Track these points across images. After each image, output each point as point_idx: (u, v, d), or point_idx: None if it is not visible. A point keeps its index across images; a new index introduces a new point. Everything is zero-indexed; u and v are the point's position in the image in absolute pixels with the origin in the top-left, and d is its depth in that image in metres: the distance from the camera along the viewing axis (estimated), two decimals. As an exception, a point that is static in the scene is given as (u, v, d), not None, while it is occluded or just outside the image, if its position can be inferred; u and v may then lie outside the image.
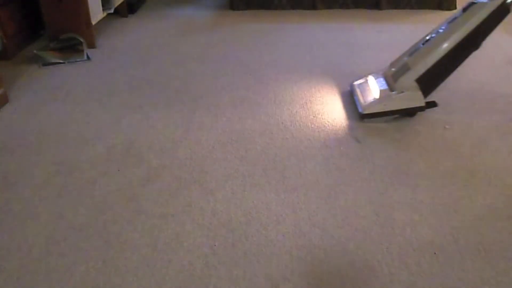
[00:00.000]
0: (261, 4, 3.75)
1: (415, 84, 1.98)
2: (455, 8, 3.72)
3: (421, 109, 2.01)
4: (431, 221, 1.46)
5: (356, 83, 2.24)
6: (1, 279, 1.25)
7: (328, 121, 2.04)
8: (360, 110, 2.04)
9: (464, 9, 1.96)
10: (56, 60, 2.68)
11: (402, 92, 1.98)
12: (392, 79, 2.06)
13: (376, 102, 2.02)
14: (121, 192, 1.59)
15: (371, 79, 2.18)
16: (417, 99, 1.99)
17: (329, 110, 2.14)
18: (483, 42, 1.93)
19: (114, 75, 2.54)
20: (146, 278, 1.25)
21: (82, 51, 2.77)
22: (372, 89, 2.11)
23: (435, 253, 1.33)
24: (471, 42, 1.92)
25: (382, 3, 3.71)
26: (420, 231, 1.42)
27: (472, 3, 1.93)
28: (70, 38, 2.82)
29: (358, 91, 2.17)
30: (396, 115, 2.03)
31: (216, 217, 1.48)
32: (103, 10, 3.11)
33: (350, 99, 2.23)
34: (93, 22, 2.91)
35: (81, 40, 2.81)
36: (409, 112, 2.03)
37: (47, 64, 2.66)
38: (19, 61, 2.72)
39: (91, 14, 2.86)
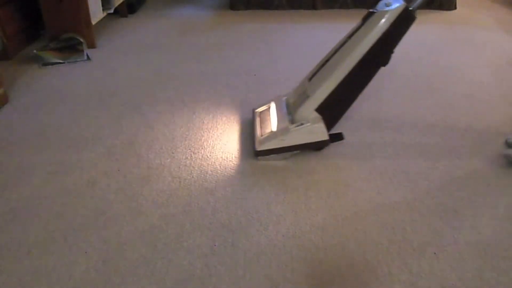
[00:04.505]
0: (261, 4, 3.75)
1: (316, 115, 1.70)
2: (455, 8, 3.73)
3: (325, 143, 1.73)
4: (430, 221, 1.46)
5: (258, 110, 1.94)
6: (1, 279, 1.25)
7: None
8: (255, 146, 1.75)
9: (363, 20, 1.64)
10: (56, 60, 2.69)
11: (302, 124, 1.68)
12: (293, 107, 1.78)
13: (272, 136, 1.72)
14: (121, 192, 1.60)
15: (273, 106, 1.88)
16: (319, 132, 1.69)
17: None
18: (391, 56, 1.64)
19: (114, 75, 2.54)
20: (146, 278, 1.25)
21: (82, 51, 2.77)
22: (272, 119, 1.81)
23: (435, 253, 1.33)
24: (375, 59, 1.63)
25: (382, 3, 3.71)
26: (420, 231, 1.42)
27: (371, 13, 1.61)
28: (70, 38, 2.82)
29: (257, 121, 1.86)
30: (296, 151, 1.75)
31: (216, 217, 1.48)
32: (103, 10, 3.11)
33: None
34: (93, 22, 2.91)
35: (81, 40, 2.81)
36: (313, 147, 1.76)
37: (47, 64, 2.66)
38: (19, 61, 2.72)
39: (91, 14, 2.87)
